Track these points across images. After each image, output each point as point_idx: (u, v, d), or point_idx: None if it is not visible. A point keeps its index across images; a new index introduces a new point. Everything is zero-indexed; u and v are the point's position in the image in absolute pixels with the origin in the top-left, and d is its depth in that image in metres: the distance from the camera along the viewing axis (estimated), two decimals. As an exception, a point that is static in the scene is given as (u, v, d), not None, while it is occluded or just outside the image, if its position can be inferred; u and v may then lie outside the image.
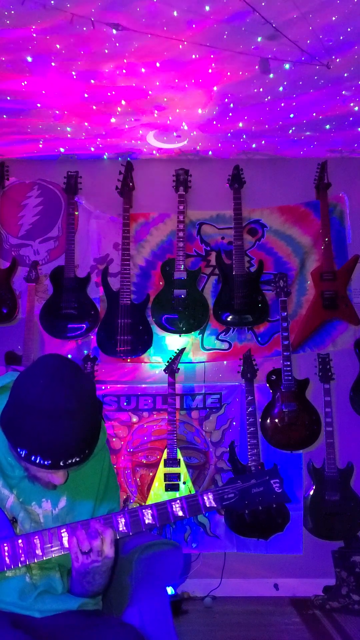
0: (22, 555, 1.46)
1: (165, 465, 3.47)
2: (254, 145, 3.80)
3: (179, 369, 3.60)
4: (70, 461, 1.39)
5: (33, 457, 1.38)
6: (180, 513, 1.50)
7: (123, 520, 1.48)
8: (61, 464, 1.39)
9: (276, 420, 3.54)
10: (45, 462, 1.38)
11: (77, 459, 1.40)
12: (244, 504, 1.52)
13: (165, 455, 3.49)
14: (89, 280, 3.76)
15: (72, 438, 1.37)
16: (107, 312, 3.67)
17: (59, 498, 1.59)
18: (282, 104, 3.28)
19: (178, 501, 1.51)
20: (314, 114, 3.40)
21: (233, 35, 2.66)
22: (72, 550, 1.45)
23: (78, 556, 1.44)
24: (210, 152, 3.90)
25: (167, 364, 3.57)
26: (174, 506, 1.50)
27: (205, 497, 1.51)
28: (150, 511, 1.49)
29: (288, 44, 2.68)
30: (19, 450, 1.41)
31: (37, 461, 1.39)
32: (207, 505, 1.51)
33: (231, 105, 3.29)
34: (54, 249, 3.91)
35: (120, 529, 1.47)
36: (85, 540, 1.43)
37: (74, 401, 1.37)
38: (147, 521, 1.48)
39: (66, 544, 1.46)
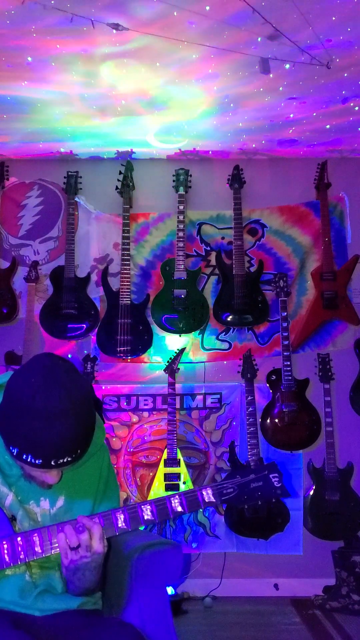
0: (22, 553, 1.46)
1: (165, 465, 3.47)
2: (254, 145, 3.80)
3: (179, 369, 3.60)
4: (61, 461, 1.39)
5: (25, 456, 1.39)
6: (179, 508, 1.49)
7: (122, 516, 1.48)
8: (52, 463, 1.39)
9: (276, 420, 3.54)
10: (37, 462, 1.38)
11: (69, 459, 1.40)
12: (243, 498, 1.52)
13: (165, 455, 3.49)
14: (89, 280, 3.76)
15: (63, 438, 1.37)
16: (107, 312, 3.67)
17: (56, 497, 1.59)
18: (282, 104, 3.28)
19: (177, 497, 1.50)
20: (314, 114, 3.40)
21: (233, 35, 2.66)
22: (61, 547, 1.44)
23: (67, 552, 1.44)
24: (210, 152, 3.90)
25: (167, 364, 3.57)
26: (173, 502, 1.50)
27: (204, 492, 1.51)
28: (149, 507, 1.49)
29: (288, 44, 2.68)
30: (11, 448, 1.41)
31: (29, 460, 1.39)
32: (206, 500, 1.51)
33: (231, 105, 3.29)
34: (54, 249, 3.91)
35: (119, 525, 1.47)
36: (73, 536, 1.43)
37: (67, 401, 1.37)
38: (146, 517, 1.48)
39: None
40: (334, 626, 3.11)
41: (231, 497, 1.52)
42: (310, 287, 3.81)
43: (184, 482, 3.44)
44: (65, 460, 1.40)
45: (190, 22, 2.58)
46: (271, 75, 2.91)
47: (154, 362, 3.77)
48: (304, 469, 3.62)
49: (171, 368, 3.55)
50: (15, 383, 1.42)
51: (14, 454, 1.41)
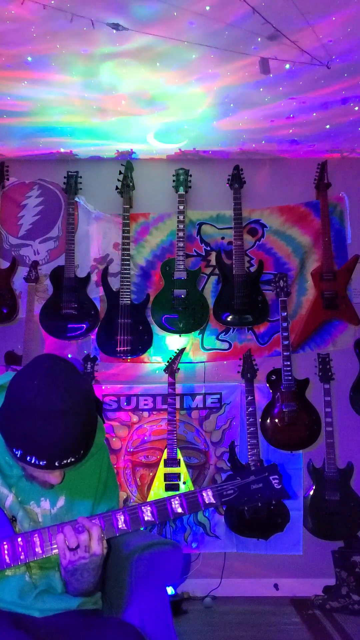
0: (22, 553, 1.46)
1: (165, 465, 3.47)
2: (253, 145, 3.80)
3: (179, 369, 3.60)
4: (65, 461, 1.40)
5: (28, 458, 1.39)
6: (180, 510, 1.49)
7: (122, 517, 1.48)
8: (56, 464, 1.39)
9: (276, 420, 3.54)
10: (41, 463, 1.39)
11: (73, 459, 1.41)
12: (243, 500, 1.52)
13: (165, 455, 3.49)
14: (89, 280, 3.76)
15: (66, 439, 1.37)
16: (107, 312, 3.67)
17: (57, 498, 1.59)
18: (282, 104, 3.28)
19: (177, 498, 1.51)
20: (314, 114, 3.40)
21: (233, 35, 2.66)
22: (60, 547, 1.44)
23: (65, 553, 1.44)
24: (210, 152, 3.90)
25: (167, 364, 3.57)
26: (173, 503, 1.50)
27: (204, 494, 1.51)
28: (149, 508, 1.49)
29: (288, 44, 2.68)
30: (14, 450, 1.41)
31: (33, 461, 1.39)
32: (207, 502, 1.51)
33: (231, 105, 3.29)
34: (54, 249, 3.91)
35: (120, 526, 1.47)
36: (72, 536, 1.43)
37: (68, 402, 1.37)
38: (146, 518, 1.48)
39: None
40: (334, 626, 3.11)
41: (231, 499, 1.52)
42: (310, 287, 3.80)
43: (184, 482, 3.44)
44: (68, 461, 1.40)
45: (190, 22, 2.58)
46: (271, 75, 2.91)
47: (154, 362, 3.77)
48: (304, 469, 3.62)
49: (171, 368, 3.55)
50: (16, 384, 1.42)
51: (18, 455, 1.41)
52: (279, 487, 1.54)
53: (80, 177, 3.85)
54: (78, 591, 1.53)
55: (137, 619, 1.60)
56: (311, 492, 3.51)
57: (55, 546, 1.46)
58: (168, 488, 3.40)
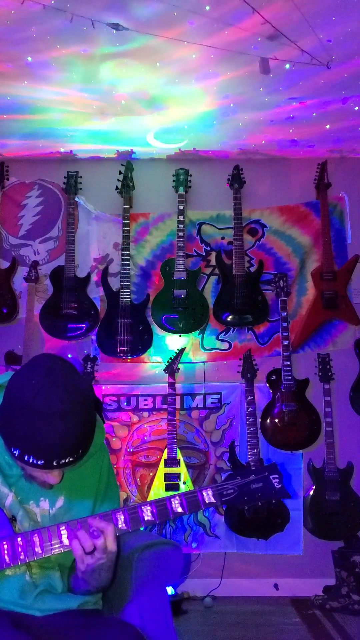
0: (22, 553, 1.46)
1: (165, 465, 3.47)
2: (253, 145, 3.80)
3: (179, 369, 3.60)
4: (63, 461, 1.39)
5: (26, 457, 1.39)
6: (180, 509, 1.49)
7: (122, 517, 1.48)
8: (54, 463, 1.39)
9: (276, 420, 3.54)
10: (39, 462, 1.38)
11: (71, 459, 1.41)
12: (243, 499, 1.52)
13: (165, 455, 3.49)
14: (89, 280, 3.76)
15: (65, 438, 1.37)
16: (107, 312, 3.67)
17: (56, 497, 1.59)
18: (282, 104, 3.28)
19: (177, 497, 1.50)
20: (314, 114, 3.40)
21: (233, 35, 2.66)
22: (77, 554, 1.45)
23: (83, 559, 1.44)
24: (210, 152, 3.90)
25: (167, 364, 3.57)
26: (173, 502, 1.50)
27: (204, 493, 1.51)
28: (149, 508, 1.49)
29: (288, 44, 2.69)
30: (12, 449, 1.41)
31: (31, 461, 1.39)
32: (207, 501, 1.50)
33: (231, 105, 3.29)
34: (54, 249, 3.91)
35: (119, 525, 1.47)
36: (87, 540, 1.43)
37: (67, 402, 1.37)
38: (146, 518, 1.48)
39: (66, 542, 1.46)
40: (334, 626, 3.11)
41: (231, 498, 1.52)
42: (310, 287, 3.80)
43: (184, 482, 3.44)
44: (67, 461, 1.40)
45: (190, 22, 2.58)
46: (271, 75, 2.91)
47: (154, 362, 3.77)
48: (304, 469, 3.62)
49: (171, 368, 3.55)
50: (15, 384, 1.42)
51: (16, 455, 1.41)
52: (279, 486, 1.54)
53: (80, 177, 3.85)
54: (94, 588, 1.55)
55: (137, 618, 1.60)
56: (311, 492, 3.51)
57: (56, 546, 1.46)
58: (168, 488, 3.41)
